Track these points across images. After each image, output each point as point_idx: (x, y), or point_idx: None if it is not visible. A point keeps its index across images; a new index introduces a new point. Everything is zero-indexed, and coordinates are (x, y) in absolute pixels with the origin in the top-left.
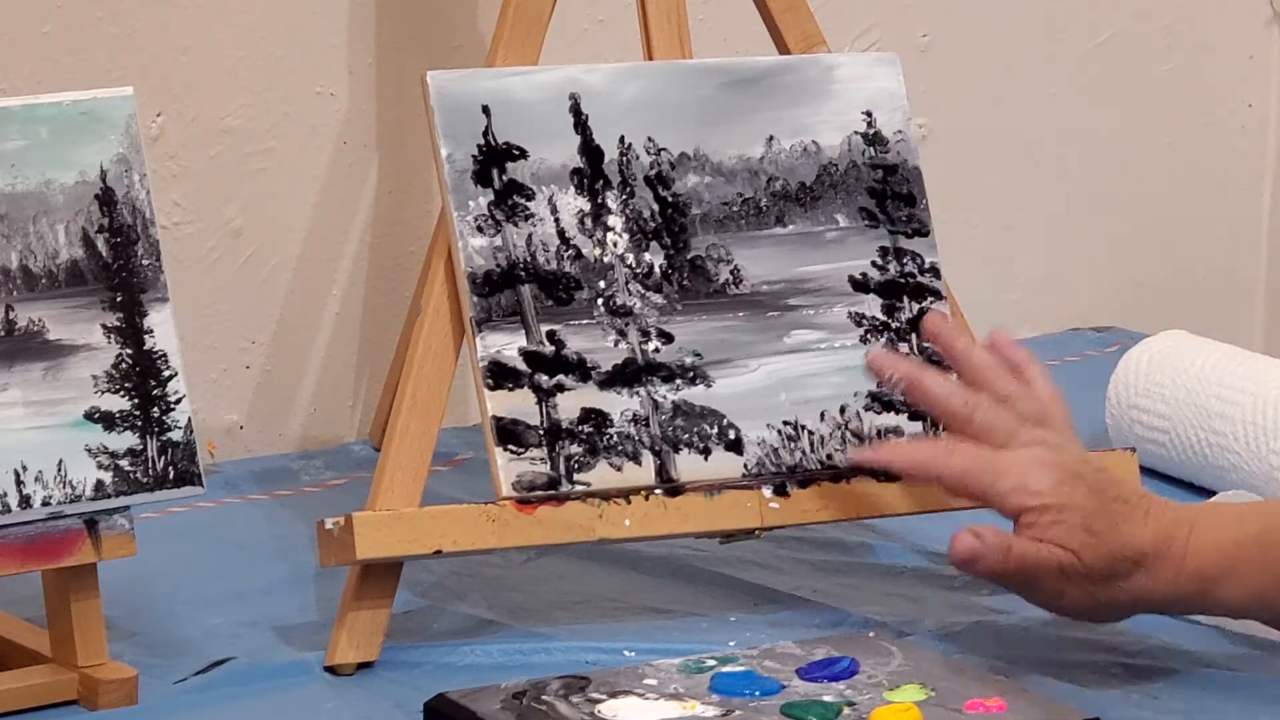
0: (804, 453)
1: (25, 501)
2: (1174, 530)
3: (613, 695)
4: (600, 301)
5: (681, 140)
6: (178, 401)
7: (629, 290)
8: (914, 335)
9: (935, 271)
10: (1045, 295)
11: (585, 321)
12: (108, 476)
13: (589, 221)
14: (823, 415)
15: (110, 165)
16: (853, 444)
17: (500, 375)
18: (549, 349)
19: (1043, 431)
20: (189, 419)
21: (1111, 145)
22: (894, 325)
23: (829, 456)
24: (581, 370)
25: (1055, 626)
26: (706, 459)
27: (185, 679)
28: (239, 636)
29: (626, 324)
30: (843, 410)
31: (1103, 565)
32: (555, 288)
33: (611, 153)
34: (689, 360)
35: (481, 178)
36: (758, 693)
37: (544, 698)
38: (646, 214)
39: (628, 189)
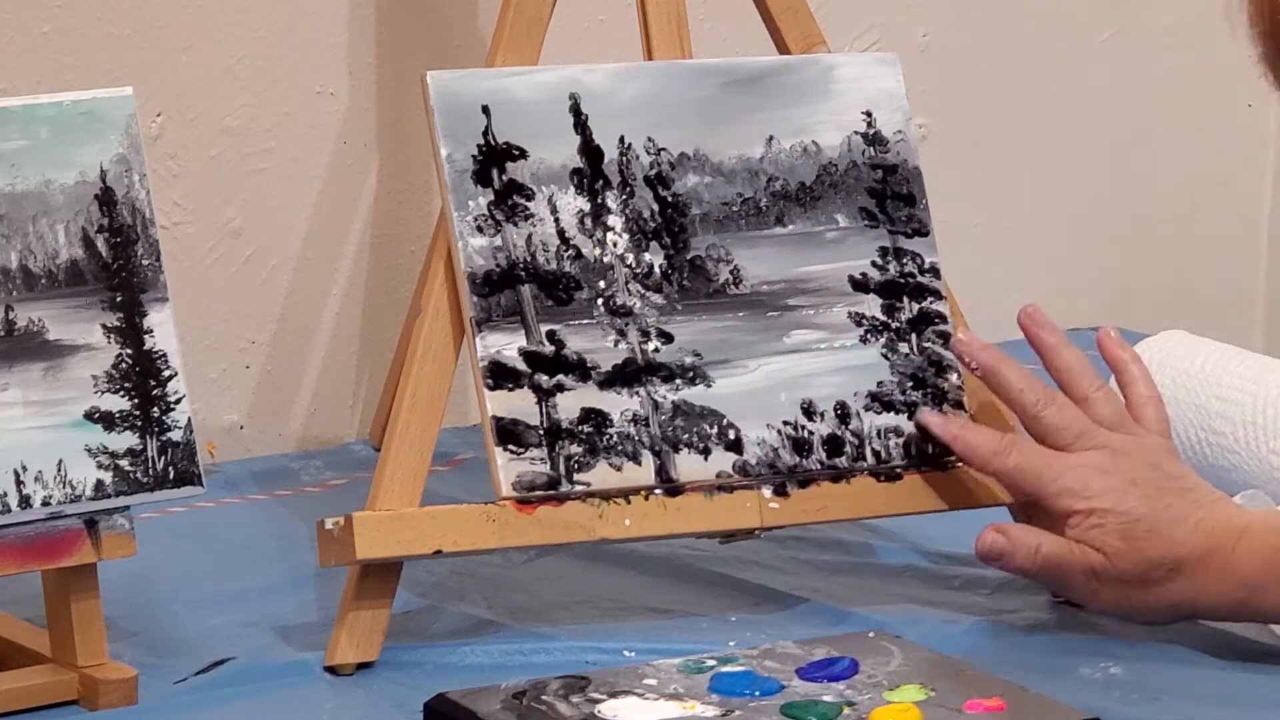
0: (804, 453)
1: (25, 501)
2: (1221, 540)
3: (613, 695)
4: (600, 301)
5: (681, 140)
6: (178, 401)
7: (629, 290)
8: (914, 335)
9: (935, 271)
10: (1045, 295)
11: (585, 321)
12: (108, 476)
13: (589, 221)
14: (822, 415)
15: (110, 165)
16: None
17: (500, 375)
18: (549, 349)
19: (1113, 436)
20: (189, 419)
21: (1111, 145)
22: (894, 325)
23: (829, 456)
24: (581, 370)
25: (1055, 627)
26: (706, 459)
27: (185, 679)
28: (239, 636)
29: (626, 324)
30: (842, 409)
31: (1136, 570)
32: (555, 288)
33: (611, 153)
34: (689, 360)
35: (481, 178)
36: (758, 693)
37: (544, 698)
38: (646, 214)
39: (628, 189)
